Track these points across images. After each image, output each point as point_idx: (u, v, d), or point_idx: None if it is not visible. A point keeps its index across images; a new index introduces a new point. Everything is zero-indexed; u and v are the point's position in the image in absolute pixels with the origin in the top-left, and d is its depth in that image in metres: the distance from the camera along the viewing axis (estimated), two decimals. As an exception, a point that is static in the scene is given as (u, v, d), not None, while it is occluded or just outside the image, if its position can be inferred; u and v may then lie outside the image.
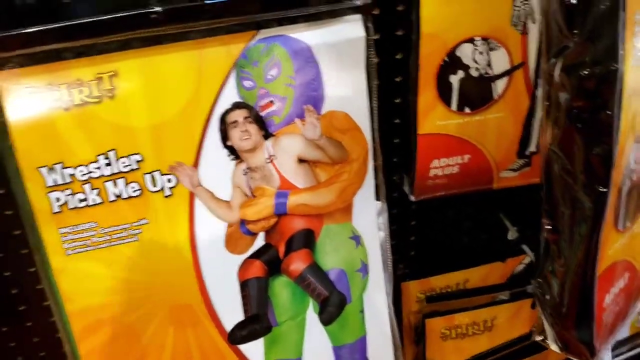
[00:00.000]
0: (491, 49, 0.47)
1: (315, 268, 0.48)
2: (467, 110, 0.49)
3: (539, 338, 0.42)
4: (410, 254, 0.64)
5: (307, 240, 0.47)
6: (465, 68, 0.47)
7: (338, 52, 0.44)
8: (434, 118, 0.49)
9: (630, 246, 0.41)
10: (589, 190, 0.34)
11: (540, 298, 0.41)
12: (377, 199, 0.50)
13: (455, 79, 0.48)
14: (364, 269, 0.50)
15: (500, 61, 0.47)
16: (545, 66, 0.33)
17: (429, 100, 0.48)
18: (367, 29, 0.44)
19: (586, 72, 0.32)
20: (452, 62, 0.47)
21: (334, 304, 0.49)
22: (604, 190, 0.34)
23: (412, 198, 0.53)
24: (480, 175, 0.53)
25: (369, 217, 0.49)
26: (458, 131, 0.50)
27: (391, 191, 0.57)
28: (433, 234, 0.63)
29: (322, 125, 0.45)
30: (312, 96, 0.44)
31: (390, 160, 0.55)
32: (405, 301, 0.64)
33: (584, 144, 0.33)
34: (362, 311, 0.50)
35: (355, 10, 0.44)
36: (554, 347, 0.41)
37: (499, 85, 0.49)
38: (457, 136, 0.50)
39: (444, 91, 0.48)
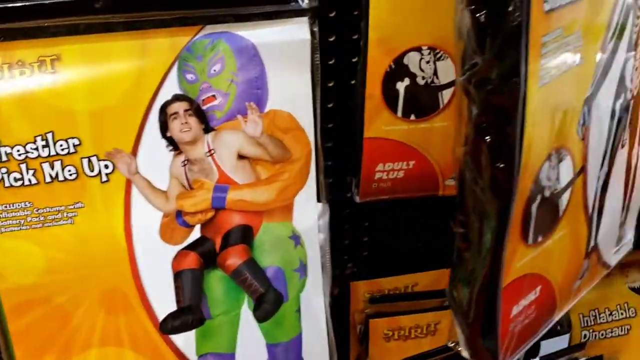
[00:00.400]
0: (438, 59, 0.47)
1: (251, 264, 0.48)
2: (412, 117, 0.50)
3: (451, 344, 0.43)
4: (363, 254, 0.64)
5: (244, 236, 0.48)
6: (412, 76, 0.48)
7: (283, 53, 0.44)
8: (380, 123, 0.50)
9: (544, 260, 0.42)
10: (493, 204, 0.35)
11: (452, 304, 0.42)
12: (320, 200, 0.50)
13: (401, 86, 0.48)
14: (302, 269, 0.50)
15: (446, 71, 0.48)
16: (459, 79, 0.34)
17: (375, 105, 0.49)
18: (312, 32, 0.45)
19: (492, 88, 0.32)
20: (398, 69, 0.48)
21: (269, 301, 0.49)
22: (507, 204, 0.35)
23: (357, 200, 0.54)
24: (426, 181, 0.53)
25: (310, 218, 0.50)
26: (403, 137, 0.50)
27: (345, 191, 0.57)
28: (385, 235, 0.64)
29: (264, 123, 0.45)
30: (255, 94, 0.45)
31: (346, 161, 0.55)
32: (354, 301, 0.64)
33: (490, 157, 0.34)
34: (298, 310, 0.51)
35: (302, 12, 0.44)
36: (464, 353, 0.42)
37: (445, 95, 0.49)
38: (403, 142, 0.51)
39: (390, 97, 0.49)
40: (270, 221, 0.48)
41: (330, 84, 0.53)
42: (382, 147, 0.51)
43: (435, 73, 0.48)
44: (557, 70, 0.34)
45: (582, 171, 0.42)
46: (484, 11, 0.30)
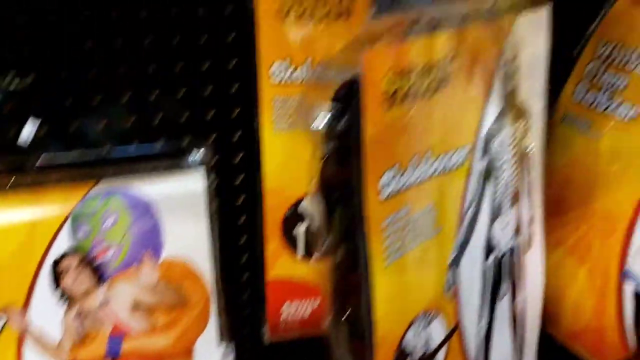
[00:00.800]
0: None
1: (149, 412, 0.48)
2: (314, 257, 0.51)
3: None
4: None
5: (142, 383, 0.47)
6: (309, 220, 0.49)
7: (178, 204, 0.46)
8: (282, 264, 0.51)
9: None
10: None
11: None
12: (222, 342, 0.50)
13: (299, 229, 0.50)
14: (205, 414, 0.50)
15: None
16: (318, 254, 0.35)
17: (275, 248, 0.50)
18: (208, 182, 0.46)
19: (340, 268, 0.34)
20: (295, 215, 0.49)
21: None
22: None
23: (266, 339, 0.54)
24: (333, 319, 0.54)
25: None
26: (306, 277, 0.51)
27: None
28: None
29: (160, 272, 0.46)
30: (151, 244, 0.46)
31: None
32: None
33: (347, 332, 0.35)
34: None
35: (197, 165, 0.46)
36: None
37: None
38: (306, 281, 0.51)
39: (290, 240, 0.50)
40: (170, 368, 0.48)
41: (241, 221, 0.55)
42: (286, 288, 0.51)
43: (330, 218, 0.50)
44: (407, 247, 0.36)
45: (456, 329, 0.43)
46: (324, 200, 0.32)
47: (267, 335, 0.54)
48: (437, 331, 0.41)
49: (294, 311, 0.53)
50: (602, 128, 0.50)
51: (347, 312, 0.35)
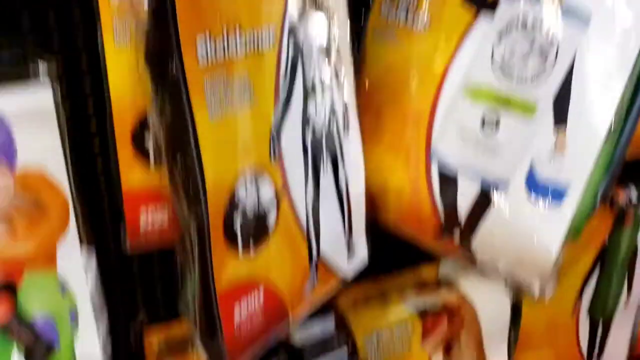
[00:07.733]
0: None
1: (17, 316, 0.50)
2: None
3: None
4: (156, 298, 0.67)
5: (6, 289, 0.50)
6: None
7: (28, 115, 0.49)
8: (135, 175, 0.55)
9: (262, 269, 0.48)
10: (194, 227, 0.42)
11: (185, 312, 0.47)
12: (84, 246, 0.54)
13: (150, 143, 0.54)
14: (73, 316, 0.53)
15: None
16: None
17: (128, 160, 0.54)
18: (56, 91, 0.50)
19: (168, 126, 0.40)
20: (145, 127, 0.53)
21: (39, 354, 0.51)
22: (202, 226, 0.41)
23: (128, 249, 0.58)
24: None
25: (76, 265, 0.53)
26: (161, 187, 0.55)
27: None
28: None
29: (16, 182, 0.49)
30: (3, 155, 0.49)
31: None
32: (148, 347, 0.66)
33: (182, 187, 0.41)
34: (73, 359, 0.53)
35: (43, 74, 0.49)
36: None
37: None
38: (160, 191, 0.56)
39: (142, 152, 0.54)
40: (34, 272, 0.51)
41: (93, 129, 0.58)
42: (141, 197, 0.55)
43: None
44: (226, 108, 0.43)
45: (284, 191, 0.50)
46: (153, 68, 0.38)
47: (128, 245, 0.57)
48: (266, 190, 0.48)
49: (151, 221, 0.57)
50: (403, 39, 0.60)
51: (180, 162, 0.40)
